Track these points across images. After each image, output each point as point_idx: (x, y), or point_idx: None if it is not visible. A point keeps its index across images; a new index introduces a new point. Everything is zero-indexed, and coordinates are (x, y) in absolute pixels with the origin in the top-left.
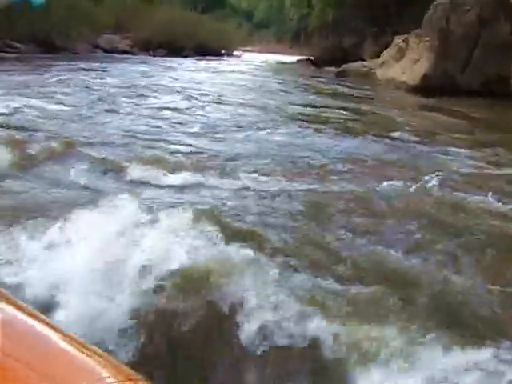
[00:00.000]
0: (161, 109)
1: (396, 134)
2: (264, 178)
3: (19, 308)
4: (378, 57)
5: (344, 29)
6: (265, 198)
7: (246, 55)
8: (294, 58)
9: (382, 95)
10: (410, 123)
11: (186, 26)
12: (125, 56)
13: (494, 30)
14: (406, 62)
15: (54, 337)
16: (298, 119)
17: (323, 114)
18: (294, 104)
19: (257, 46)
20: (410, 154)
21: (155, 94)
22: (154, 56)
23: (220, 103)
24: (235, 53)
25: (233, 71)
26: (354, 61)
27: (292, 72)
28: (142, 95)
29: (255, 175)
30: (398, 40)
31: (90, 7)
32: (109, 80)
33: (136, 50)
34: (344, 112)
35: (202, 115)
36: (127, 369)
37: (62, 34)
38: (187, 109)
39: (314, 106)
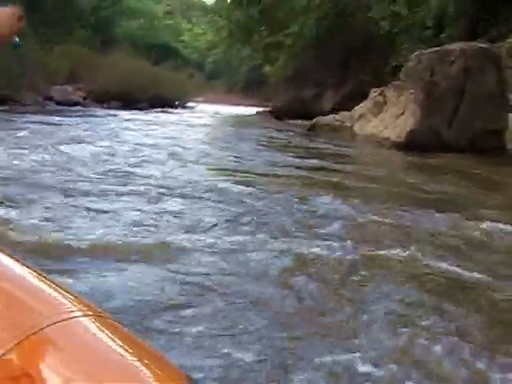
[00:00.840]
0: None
1: (399, 201)
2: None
3: None
4: (338, 109)
5: (303, 80)
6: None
7: (201, 106)
8: (251, 110)
9: (365, 153)
10: (410, 186)
11: (140, 78)
12: (78, 108)
13: (481, 80)
14: (386, 117)
15: (17, 270)
16: (284, 182)
17: (312, 176)
18: (273, 165)
19: (208, 96)
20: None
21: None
22: (109, 108)
23: (201, 164)
24: (189, 104)
25: (198, 125)
26: (315, 112)
27: (257, 125)
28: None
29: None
30: (374, 93)
31: (42, 57)
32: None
33: (89, 102)
34: (331, 173)
35: (186, 178)
36: (95, 306)
37: (11, 85)
38: (168, 170)
39: (297, 167)
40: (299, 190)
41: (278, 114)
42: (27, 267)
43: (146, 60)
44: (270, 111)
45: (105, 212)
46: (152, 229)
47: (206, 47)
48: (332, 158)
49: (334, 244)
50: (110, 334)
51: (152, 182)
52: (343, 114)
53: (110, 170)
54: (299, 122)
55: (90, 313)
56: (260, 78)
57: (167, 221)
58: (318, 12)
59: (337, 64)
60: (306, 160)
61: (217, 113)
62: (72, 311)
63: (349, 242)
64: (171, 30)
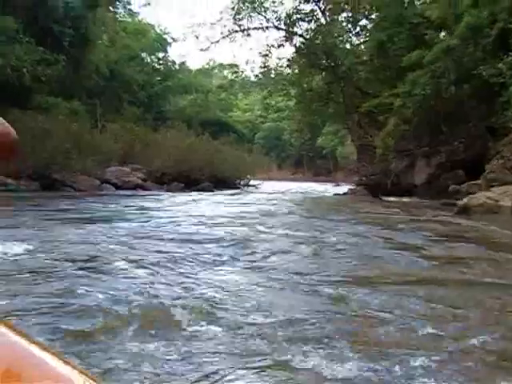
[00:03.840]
0: None
1: None
2: None
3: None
4: (431, 181)
5: (393, 151)
6: None
7: (266, 185)
8: (321, 187)
9: None
10: None
11: (200, 155)
12: (142, 193)
13: None
14: None
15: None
16: None
17: None
18: None
19: (263, 173)
20: None
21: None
22: (169, 190)
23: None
24: (252, 182)
25: (311, 210)
26: (407, 186)
27: (371, 208)
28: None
29: None
30: None
31: (95, 136)
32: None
33: (149, 184)
34: None
35: None
36: None
37: (63, 167)
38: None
39: None
40: None
41: (374, 191)
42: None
43: (199, 136)
44: (365, 188)
45: None
46: None
47: (261, 121)
48: None
49: None
50: None
51: None
52: (496, 191)
53: None
54: (406, 200)
55: None
56: (312, 151)
57: None
58: (433, 67)
59: (427, 129)
60: None
61: (292, 191)
62: None
63: None
64: (222, 105)
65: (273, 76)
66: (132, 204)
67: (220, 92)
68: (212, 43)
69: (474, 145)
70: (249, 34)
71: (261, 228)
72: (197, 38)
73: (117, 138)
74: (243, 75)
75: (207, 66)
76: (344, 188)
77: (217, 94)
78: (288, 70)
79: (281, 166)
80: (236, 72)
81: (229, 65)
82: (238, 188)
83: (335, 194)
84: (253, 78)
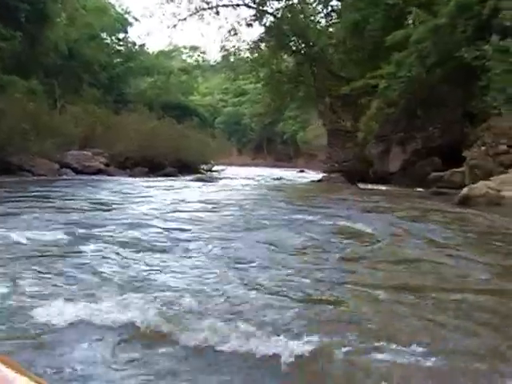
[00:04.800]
0: None
1: None
2: None
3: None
4: (405, 167)
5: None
6: None
7: (230, 171)
8: (296, 173)
9: None
10: None
11: (164, 140)
12: (105, 178)
13: None
14: None
15: None
16: None
17: None
18: None
19: (222, 158)
20: None
21: None
22: (132, 175)
23: None
24: (215, 167)
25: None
26: (381, 173)
27: (359, 197)
28: None
29: None
30: None
31: (55, 118)
32: None
33: (112, 169)
34: None
35: None
36: None
37: (20, 150)
38: None
39: None
40: None
41: (351, 178)
42: None
43: (161, 120)
44: (342, 174)
45: None
46: None
47: (222, 105)
48: None
49: None
50: None
51: None
52: (496, 180)
53: None
54: (388, 188)
55: None
56: (272, 136)
57: None
58: (420, 47)
59: (403, 114)
60: None
61: (262, 178)
62: None
63: None
64: (184, 88)
65: (240, 57)
66: (101, 190)
67: (181, 75)
68: (179, 20)
69: (451, 130)
70: (217, 12)
71: (265, 220)
72: (163, 14)
73: (77, 120)
74: (206, 58)
75: (168, 49)
76: (312, 174)
77: (178, 76)
78: (255, 52)
79: (241, 150)
80: (202, 53)
81: (191, 47)
82: (203, 173)
83: (312, 181)
84: (217, 61)
